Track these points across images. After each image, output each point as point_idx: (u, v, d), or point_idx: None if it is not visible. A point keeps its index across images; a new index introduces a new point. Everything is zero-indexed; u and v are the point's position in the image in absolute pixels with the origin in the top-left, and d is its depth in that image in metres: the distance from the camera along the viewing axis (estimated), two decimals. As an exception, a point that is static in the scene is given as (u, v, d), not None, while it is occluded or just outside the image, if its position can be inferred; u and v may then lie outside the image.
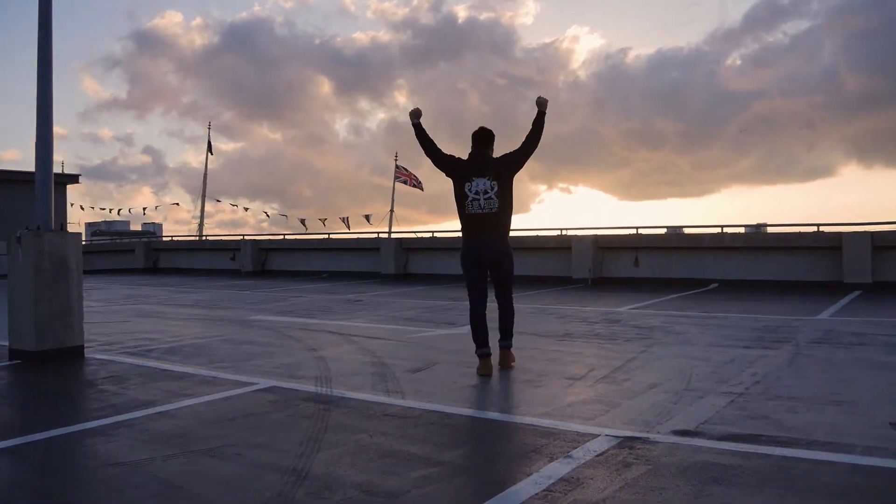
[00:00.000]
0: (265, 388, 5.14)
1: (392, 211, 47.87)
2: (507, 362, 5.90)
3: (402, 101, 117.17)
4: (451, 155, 5.94)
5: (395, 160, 45.15)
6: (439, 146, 6.00)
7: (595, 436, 3.80)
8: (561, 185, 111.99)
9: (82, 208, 52.64)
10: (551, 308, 10.72)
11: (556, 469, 3.27)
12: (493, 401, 4.92)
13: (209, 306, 11.68)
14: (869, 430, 3.86)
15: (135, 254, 24.91)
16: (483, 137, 5.87)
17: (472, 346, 5.87)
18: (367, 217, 40.88)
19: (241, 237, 22.76)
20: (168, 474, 3.30)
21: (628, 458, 3.41)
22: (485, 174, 5.67)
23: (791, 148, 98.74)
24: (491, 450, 3.76)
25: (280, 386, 5.21)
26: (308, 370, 5.81)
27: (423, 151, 6.01)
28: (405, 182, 44.89)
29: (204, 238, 32.15)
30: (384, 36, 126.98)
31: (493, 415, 4.39)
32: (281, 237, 22.56)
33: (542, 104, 5.94)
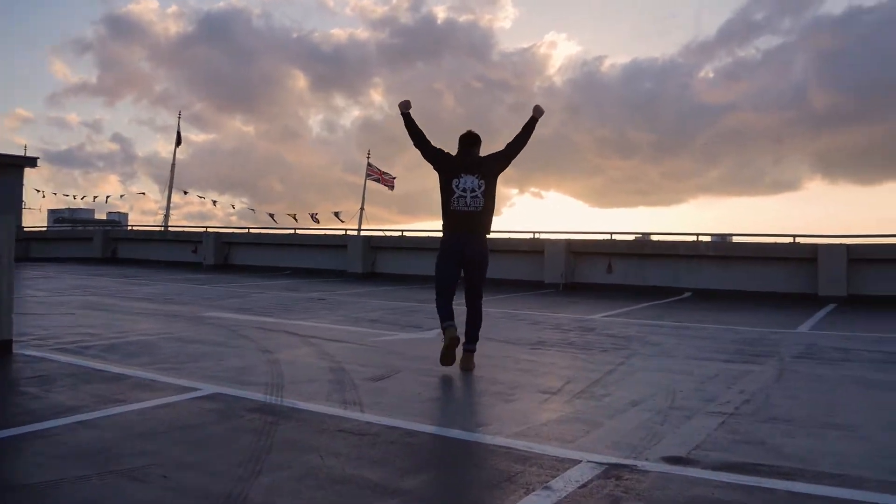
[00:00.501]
0: (208, 395, 4.62)
1: (362, 209, 47.30)
2: (468, 365, 5.78)
3: (378, 99, 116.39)
4: (440, 149, 5.93)
5: (368, 158, 44.63)
6: (416, 137, 5.99)
7: (576, 462, 3.36)
8: (533, 189, 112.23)
9: (43, 195, 51.13)
10: (523, 313, 10.30)
11: (534, 504, 2.83)
12: (462, 417, 4.45)
13: (163, 300, 11.07)
14: (878, 461, 3.48)
15: (93, 243, 24.03)
16: (471, 140, 5.91)
17: (436, 353, 5.83)
18: (337, 214, 40.29)
19: (204, 229, 22.05)
20: (75, 502, 2.78)
21: (615, 492, 2.97)
22: (474, 172, 5.72)
23: (759, 161, 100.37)
24: (459, 477, 3.29)
25: (225, 393, 4.69)
26: (258, 375, 5.30)
27: (412, 143, 5.99)
28: (377, 180, 44.38)
29: (165, 229, 31.32)
30: (362, 33, 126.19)
31: (460, 434, 3.92)
32: (245, 230, 21.91)
33: (538, 112, 6.02)
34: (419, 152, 6.00)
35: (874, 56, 78.69)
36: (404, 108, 5.95)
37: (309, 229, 23.67)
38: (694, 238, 14.64)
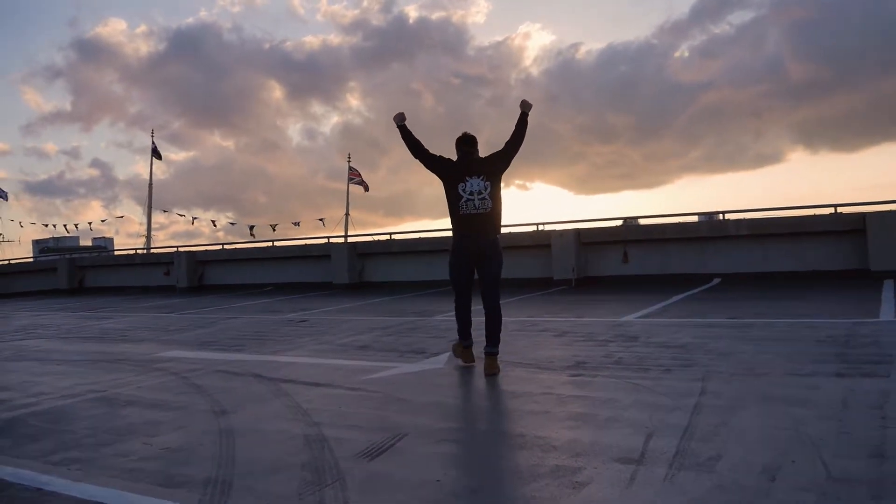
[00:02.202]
0: (107, 521, 2.95)
1: (347, 214, 45.65)
2: (492, 369, 5.62)
3: (355, 103, 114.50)
4: (440, 156, 5.90)
5: (349, 161, 42.99)
6: (414, 147, 5.95)
7: None
8: (518, 181, 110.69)
9: (21, 224, 49.15)
10: (541, 320, 8.65)
11: None
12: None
13: (116, 338, 9.35)
14: None
15: (58, 273, 22.21)
16: (470, 140, 5.90)
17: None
18: (322, 220, 38.62)
19: (175, 249, 20.27)
20: None
21: None
22: (479, 174, 5.71)
23: (739, 137, 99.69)
24: None
25: (136, 511, 3.02)
26: (199, 463, 3.62)
27: (411, 154, 5.96)
28: (359, 183, 42.80)
29: (147, 251, 29.54)
30: (335, 39, 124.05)
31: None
32: (219, 247, 20.11)
33: (525, 107, 5.98)
34: (420, 162, 5.95)
35: (846, 24, 77.78)
36: (399, 120, 5.94)
37: (289, 240, 21.92)
38: (720, 217, 13.01)
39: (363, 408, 4.65)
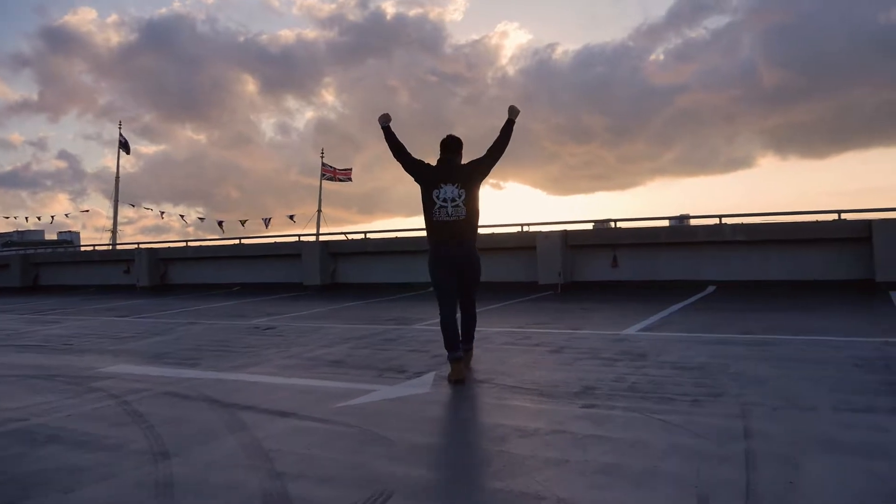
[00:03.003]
0: None
1: (319, 211, 44.56)
2: (465, 363, 5.76)
3: (331, 99, 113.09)
4: (419, 160, 5.86)
5: (322, 156, 41.99)
6: (396, 149, 5.90)
7: None
8: (492, 181, 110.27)
9: None
10: (533, 332, 7.85)
11: None
12: None
13: (57, 348, 8.38)
14: None
15: (10, 270, 20.97)
16: (452, 145, 5.80)
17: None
18: (292, 217, 37.57)
19: (136, 246, 19.18)
20: None
21: None
22: (453, 181, 5.64)
23: (712, 141, 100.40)
24: None
25: None
26: (121, 539, 2.75)
27: (392, 155, 5.91)
28: (332, 178, 41.81)
29: (113, 246, 28.29)
30: (310, 33, 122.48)
31: None
32: (183, 244, 19.07)
33: (513, 113, 5.93)
34: (400, 164, 5.89)
35: (820, 32, 78.37)
36: (384, 121, 5.91)
37: (258, 237, 20.89)
38: (716, 221, 12.31)
39: (336, 450, 3.80)
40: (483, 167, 5.80)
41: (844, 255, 11.24)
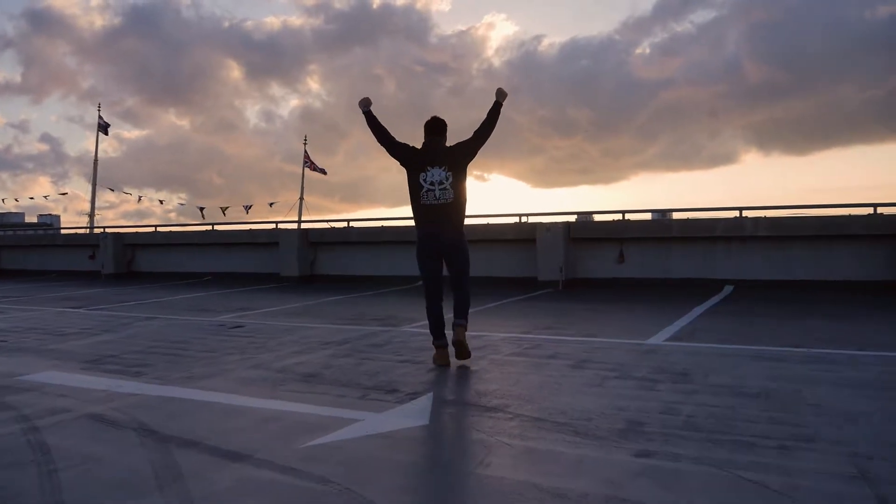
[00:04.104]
0: None
1: (301, 199, 43.27)
2: (460, 336, 5.45)
3: (315, 87, 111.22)
4: (404, 144, 5.74)
5: (304, 144, 40.74)
6: (379, 133, 5.79)
7: None
8: (476, 172, 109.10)
9: None
10: (543, 340, 6.72)
11: None
12: None
13: (-13, 345, 7.15)
14: None
15: (-31, 253, 19.57)
16: (437, 127, 5.70)
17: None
18: (272, 204, 36.28)
19: (102, 230, 17.82)
20: None
21: None
22: (440, 164, 5.54)
23: (695, 136, 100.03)
24: None
25: None
26: None
27: (375, 140, 5.79)
28: (312, 167, 40.69)
29: (91, 230, 26.91)
30: (296, 20, 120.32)
31: None
32: (152, 229, 17.74)
33: (500, 95, 5.78)
34: (385, 149, 5.78)
35: (805, 28, 77.81)
36: (364, 105, 5.78)
37: (230, 223, 19.55)
38: (736, 213, 11.22)
39: (304, 526, 2.65)
40: (470, 149, 5.69)
41: (878, 253, 10.19)
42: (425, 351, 6.25)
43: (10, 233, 22.85)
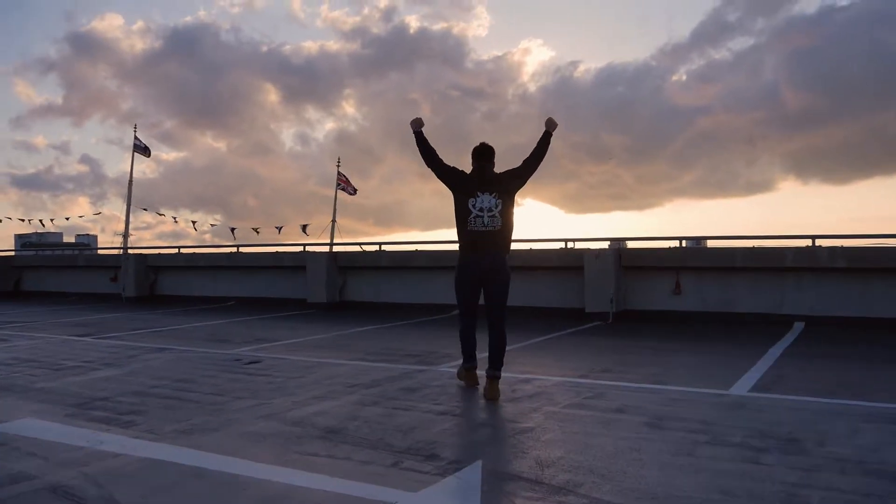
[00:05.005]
0: None
1: (334, 221, 42.68)
2: (493, 394, 5.26)
3: (351, 111, 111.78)
4: (454, 167, 5.68)
5: (338, 166, 40.29)
6: (428, 155, 5.72)
7: None
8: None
9: (1, 220, 45.79)
10: (601, 385, 5.73)
11: None
12: None
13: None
14: None
15: (-10, 274, 19.05)
16: (486, 153, 5.61)
17: None
18: (304, 227, 35.69)
19: (122, 251, 17.18)
20: None
21: None
22: (491, 190, 5.47)
23: (732, 163, 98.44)
24: None
25: None
26: None
27: (423, 162, 5.72)
28: (343, 189, 40.18)
29: (125, 251, 26.47)
30: (333, 45, 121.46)
31: None
32: (175, 251, 17.04)
33: (550, 125, 5.74)
34: (432, 171, 5.72)
35: (845, 55, 76.04)
36: (417, 126, 5.73)
37: (256, 245, 18.78)
38: (808, 242, 10.12)
39: None
40: (520, 178, 5.67)
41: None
42: (467, 399, 5.33)
43: (33, 253, 22.34)
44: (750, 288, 10.32)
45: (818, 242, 10.06)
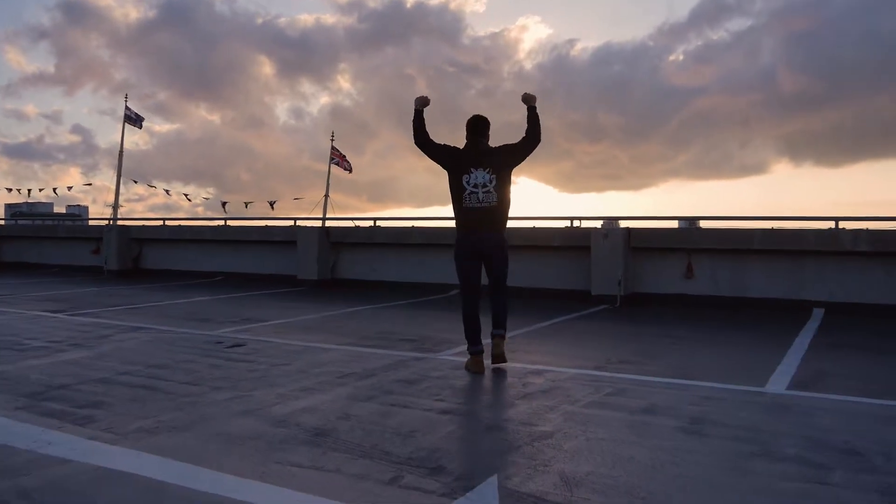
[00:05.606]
0: None
1: (327, 196, 41.94)
2: (498, 352, 5.37)
3: (346, 85, 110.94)
4: (445, 144, 5.57)
5: (332, 140, 39.47)
6: (421, 135, 5.57)
7: None
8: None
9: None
10: (621, 380, 5.13)
11: None
12: None
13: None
14: None
15: (-32, 244, 18.32)
16: (480, 126, 5.52)
17: None
18: (296, 199, 34.82)
19: (107, 222, 16.48)
20: None
21: None
22: (484, 166, 5.37)
23: (726, 145, 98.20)
24: None
25: None
26: None
27: (414, 141, 5.54)
28: (337, 163, 39.36)
29: (112, 222, 25.74)
30: (330, 18, 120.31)
31: None
32: (160, 223, 16.33)
33: (528, 100, 5.58)
34: (422, 152, 5.59)
35: (842, 39, 75.27)
36: (420, 104, 5.57)
37: (244, 219, 18.07)
38: (831, 224, 9.52)
39: None
40: (516, 154, 5.53)
41: None
42: (472, 394, 4.75)
43: (14, 222, 21.60)
44: (767, 272, 9.73)
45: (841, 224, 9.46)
